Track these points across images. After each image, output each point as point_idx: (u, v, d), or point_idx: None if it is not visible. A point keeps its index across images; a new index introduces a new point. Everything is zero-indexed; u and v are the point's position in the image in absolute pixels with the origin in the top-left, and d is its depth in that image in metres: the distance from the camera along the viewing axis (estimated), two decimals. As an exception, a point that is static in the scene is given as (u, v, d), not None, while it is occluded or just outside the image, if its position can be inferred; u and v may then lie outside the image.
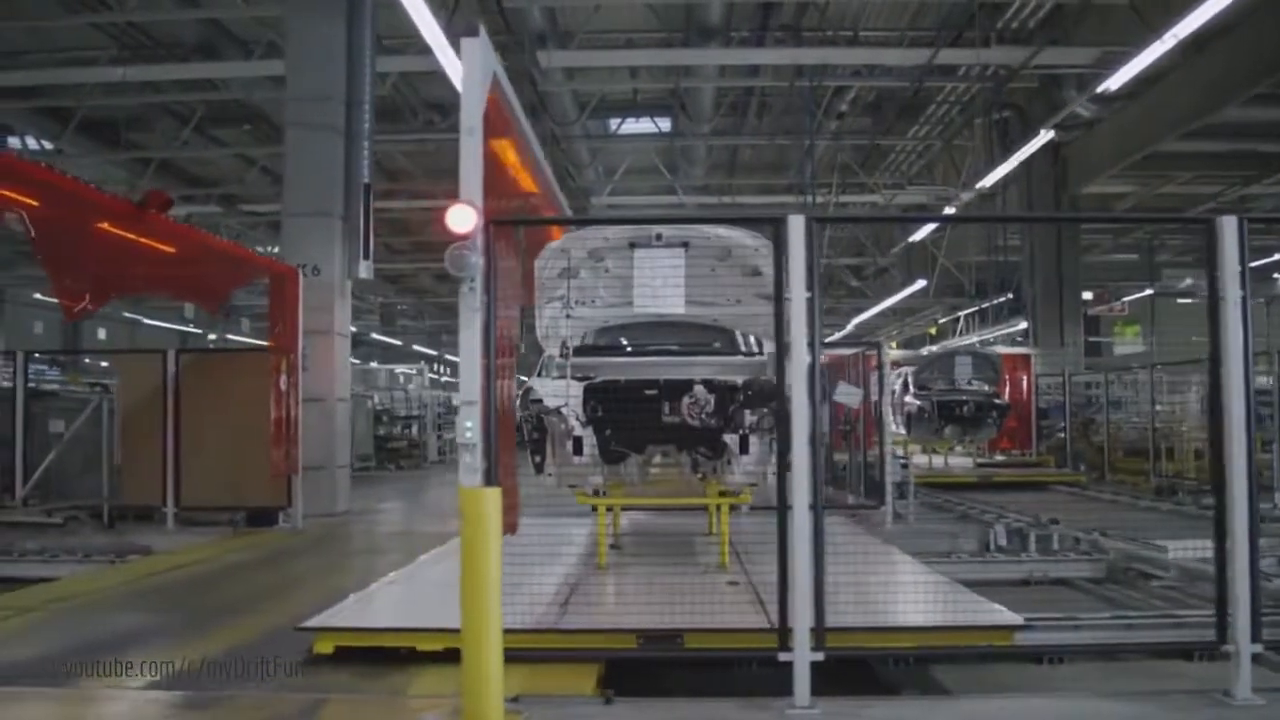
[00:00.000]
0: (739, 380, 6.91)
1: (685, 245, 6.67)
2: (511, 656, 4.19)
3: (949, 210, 18.16)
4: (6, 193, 6.23)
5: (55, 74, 16.98)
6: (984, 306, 21.40)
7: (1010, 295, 19.98)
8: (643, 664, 5.17)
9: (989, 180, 16.47)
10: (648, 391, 7.01)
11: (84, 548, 9.18)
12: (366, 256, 11.57)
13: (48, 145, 19.05)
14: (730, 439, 6.93)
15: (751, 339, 8.22)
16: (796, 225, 4.43)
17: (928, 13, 16.54)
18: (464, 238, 4.17)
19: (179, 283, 8.47)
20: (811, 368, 4.41)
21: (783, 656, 4.39)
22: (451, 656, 4.90)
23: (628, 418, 7.08)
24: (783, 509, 4.44)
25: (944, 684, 5.63)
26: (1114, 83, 11.94)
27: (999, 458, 16.42)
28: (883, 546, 7.92)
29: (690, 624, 5.12)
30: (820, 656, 4.39)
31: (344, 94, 11.70)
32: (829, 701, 4.44)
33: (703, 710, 4.44)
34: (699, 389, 6.84)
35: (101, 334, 23.07)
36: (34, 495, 10.63)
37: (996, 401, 14.82)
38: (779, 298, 4.42)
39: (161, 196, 7.57)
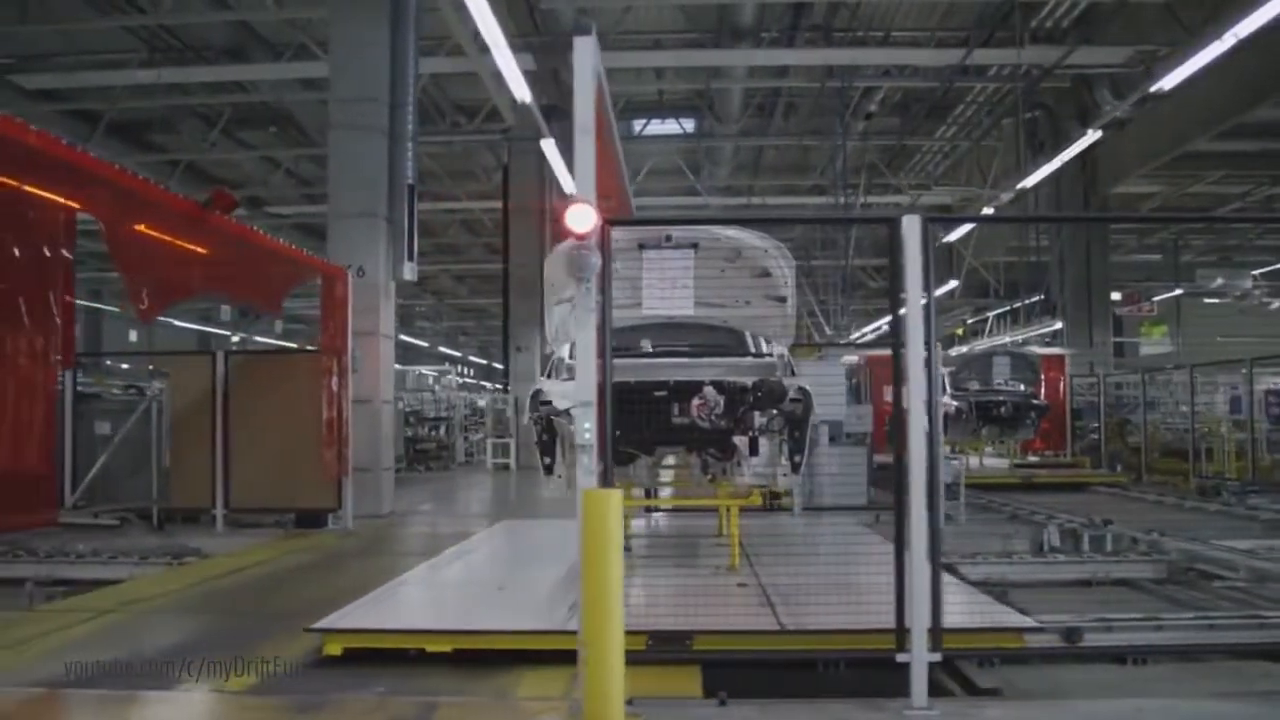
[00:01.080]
0: (748, 381, 6.87)
1: (694, 246, 6.66)
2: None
3: (988, 210, 18.11)
4: (71, 191, 6.23)
5: (85, 76, 17.01)
6: (1014, 307, 21.35)
7: (1041, 296, 19.95)
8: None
9: (1031, 180, 16.42)
10: (657, 393, 6.96)
11: (138, 549, 9.14)
12: (411, 258, 11.57)
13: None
14: (740, 440, 6.86)
15: (761, 340, 8.19)
16: (912, 225, 4.42)
17: (957, 13, 16.56)
18: (583, 237, 4.16)
19: (240, 283, 8.47)
20: (929, 365, 4.38)
21: (900, 657, 4.37)
22: (460, 658, 5.04)
23: (637, 419, 7.07)
24: (900, 509, 4.41)
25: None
26: (1167, 83, 11.89)
27: (1032, 458, 16.37)
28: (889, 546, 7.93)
29: (700, 625, 5.17)
30: (937, 657, 4.37)
31: (388, 95, 11.68)
32: (945, 702, 4.42)
33: (819, 711, 4.41)
34: (708, 390, 6.77)
35: (133, 336, 23.12)
36: (81, 497, 10.62)
37: (1035, 402, 14.79)
38: (895, 296, 4.40)
39: (227, 198, 7.56)
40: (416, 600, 6.30)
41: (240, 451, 10.20)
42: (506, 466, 19.09)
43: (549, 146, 15.37)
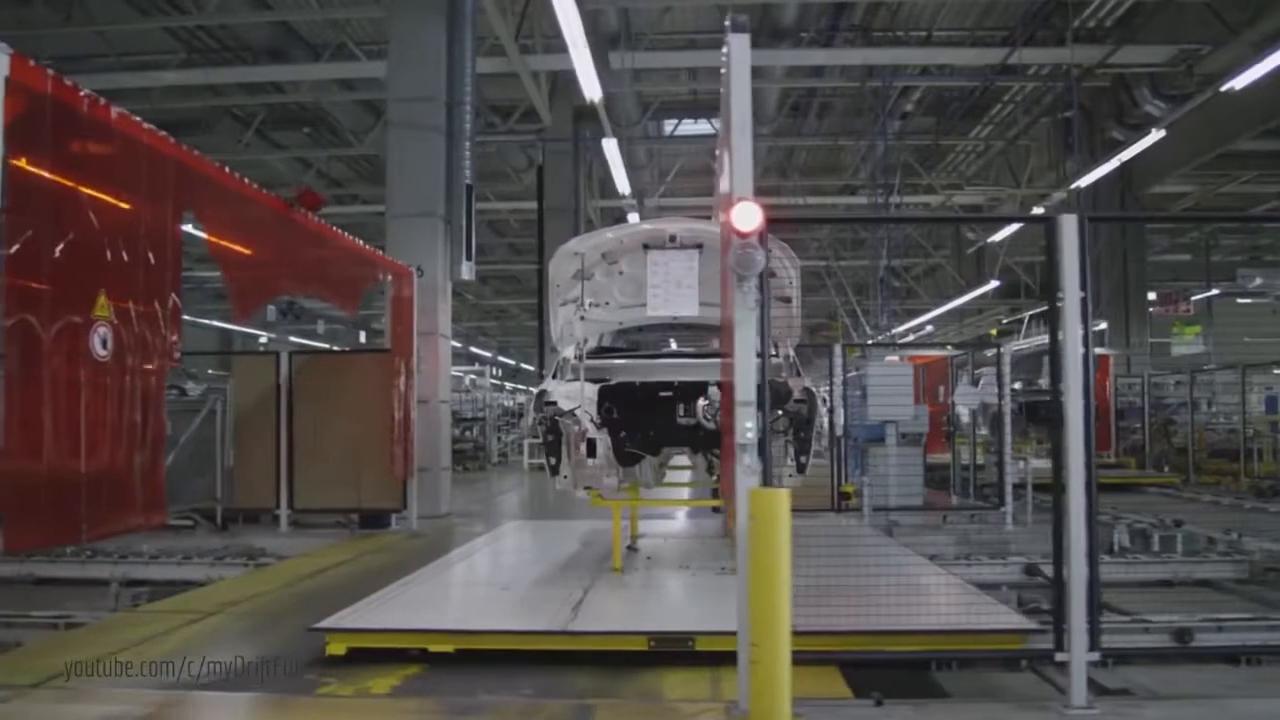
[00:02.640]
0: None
1: (699, 247, 6.64)
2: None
3: (1037, 210, 18.06)
4: (178, 190, 6.20)
5: (125, 78, 16.96)
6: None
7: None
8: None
9: (1088, 179, 16.37)
10: (662, 394, 6.99)
11: (210, 551, 9.13)
12: (469, 257, 11.57)
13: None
14: None
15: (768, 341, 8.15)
16: (1069, 225, 4.40)
17: (995, 12, 16.57)
18: (747, 235, 4.13)
19: (323, 282, 8.45)
20: (1086, 364, 4.36)
21: (1059, 657, 4.34)
22: (463, 658, 5.06)
23: (642, 420, 7.10)
24: (1058, 511, 4.39)
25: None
26: (1239, 82, 11.83)
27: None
28: (899, 549, 8.08)
29: (701, 627, 5.24)
30: (1096, 656, 4.35)
31: (444, 94, 11.67)
32: (1105, 701, 4.41)
33: (978, 711, 4.39)
34: (713, 390, 6.74)
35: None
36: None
37: (1084, 402, 14.68)
38: (1052, 296, 4.39)
39: (313, 196, 7.55)
40: (421, 600, 6.27)
41: (304, 452, 10.18)
42: (543, 467, 19.02)
43: (610, 146, 15.34)
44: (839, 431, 10.73)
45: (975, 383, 12.14)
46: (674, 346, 8.33)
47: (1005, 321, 24.68)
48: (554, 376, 7.70)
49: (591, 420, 6.77)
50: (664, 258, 6.58)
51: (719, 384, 6.73)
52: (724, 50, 4.79)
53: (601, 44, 16.50)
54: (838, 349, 10.60)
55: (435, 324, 11.37)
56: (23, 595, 8.09)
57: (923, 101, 19.22)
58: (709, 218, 9.30)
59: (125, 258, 5.57)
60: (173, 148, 6.11)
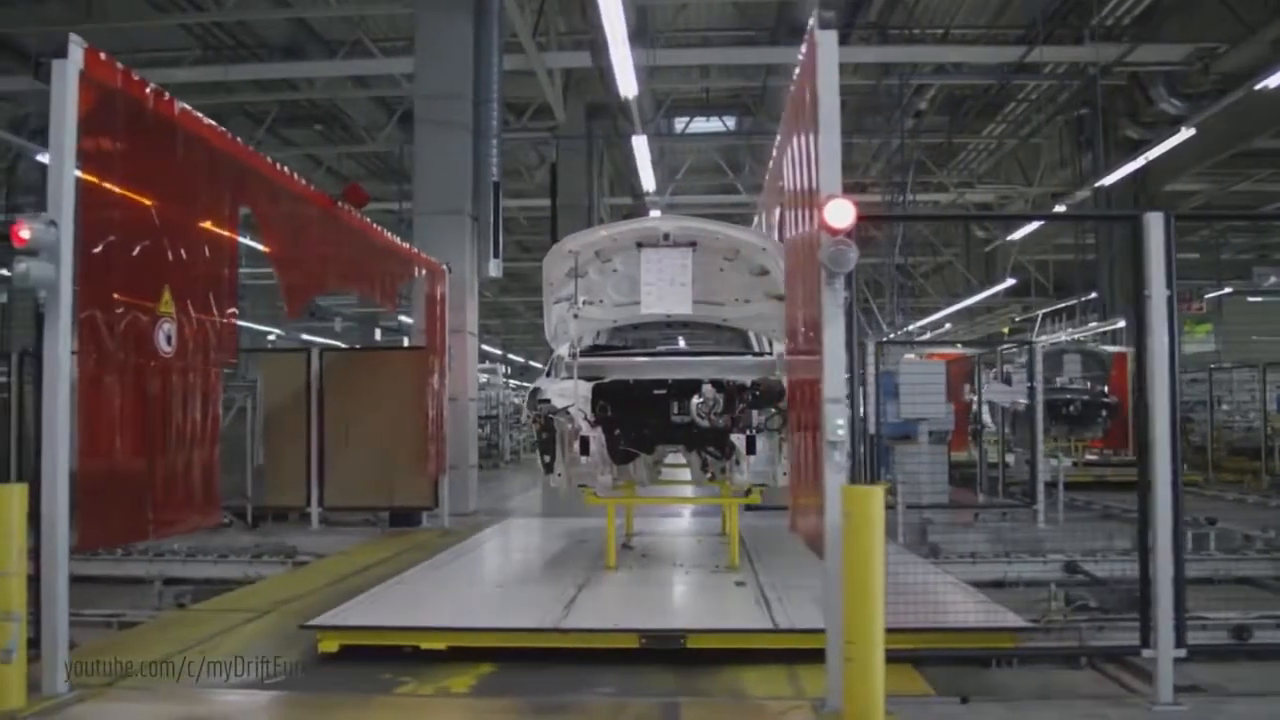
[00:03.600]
0: (747, 380, 6.82)
1: (693, 245, 6.63)
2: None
3: (1059, 208, 18.11)
4: (235, 186, 6.19)
5: (144, 75, 16.83)
6: (1064, 306, 21.32)
7: (1094, 294, 19.95)
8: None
9: (1111, 178, 16.39)
10: (656, 391, 6.98)
11: (244, 548, 9.09)
12: (496, 254, 11.54)
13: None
14: (737, 438, 6.80)
15: (763, 338, 8.13)
16: (1156, 223, 4.40)
17: (1011, 10, 16.55)
18: (839, 233, 4.13)
19: (363, 278, 8.41)
20: (1173, 361, 4.37)
21: (1146, 654, 4.36)
22: (455, 656, 5.09)
23: (637, 418, 7.12)
24: (1144, 509, 4.40)
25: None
26: (1273, 81, 11.84)
27: (1090, 456, 16.32)
28: (896, 548, 7.98)
29: (693, 624, 5.32)
30: (1183, 653, 4.37)
31: (471, 91, 11.64)
32: (1186, 697, 4.42)
33: (1066, 709, 4.40)
34: (708, 388, 6.75)
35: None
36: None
37: (1105, 400, 14.74)
38: (1138, 295, 4.39)
39: (359, 194, 7.53)
40: (415, 597, 6.29)
41: (335, 450, 10.15)
42: (555, 465, 18.98)
43: (640, 143, 15.31)
44: (870, 429, 10.69)
45: (1005, 379, 12.12)
46: (675, 344, 8.30)
47: (1017, 320, 24.77)
48: (548, 374, 7.68)
49: (585, 418, 6.76)
50: (657, 255, 6.59)
51: (714, 382, 6.75)
52: (802, 48, 4.82)
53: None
54: (870, 346, 10.56)
55: (464, 321, 11.35)
56: (64, 593, 8.03)
57: (936, 99, 19.21)
58: (739, 219, 9.33)
59: (185, 254, 5.54)
60: (231, 143, 6.08)
